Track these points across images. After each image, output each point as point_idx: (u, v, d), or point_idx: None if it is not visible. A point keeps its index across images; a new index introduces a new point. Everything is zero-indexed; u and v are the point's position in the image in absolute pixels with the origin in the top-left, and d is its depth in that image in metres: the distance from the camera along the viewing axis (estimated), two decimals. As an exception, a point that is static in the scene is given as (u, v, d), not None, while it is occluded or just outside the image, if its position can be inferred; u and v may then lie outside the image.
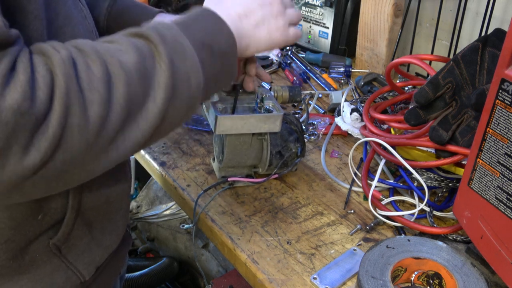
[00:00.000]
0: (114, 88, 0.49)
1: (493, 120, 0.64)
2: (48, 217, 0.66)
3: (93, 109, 0.47)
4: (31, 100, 0.43)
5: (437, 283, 0.73)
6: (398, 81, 1.25)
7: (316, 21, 1.44)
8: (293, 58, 1.44)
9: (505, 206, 0.65)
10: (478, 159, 0.68)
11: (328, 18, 1.41)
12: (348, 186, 0.95)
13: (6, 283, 0.66)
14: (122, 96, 0.49)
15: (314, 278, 0.76)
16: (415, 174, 0.85)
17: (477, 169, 0.69)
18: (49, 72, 0.45)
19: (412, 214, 0.86)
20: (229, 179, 0.93)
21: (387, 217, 0.86)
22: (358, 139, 1.05)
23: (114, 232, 0.77)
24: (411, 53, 1.33)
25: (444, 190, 0.90)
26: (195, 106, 0.59)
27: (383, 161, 0.92)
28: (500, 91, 0.62)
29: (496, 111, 0.63)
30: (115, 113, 0.49)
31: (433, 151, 0.87)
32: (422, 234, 0.83)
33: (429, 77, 1.03)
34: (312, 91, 1.29)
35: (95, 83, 0.48)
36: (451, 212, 0.86)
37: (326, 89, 1.31)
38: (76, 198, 0.67)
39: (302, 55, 1.46)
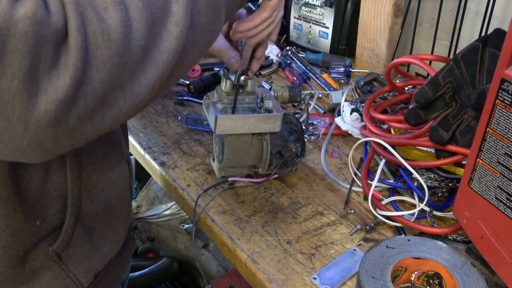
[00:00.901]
0: None
1: (493, 120, 0.64)
2: (46, 223, 0.65)
3: (110, 14, 0.44)
4: (45, 9, 0.41)
5: (437, 283, 0.73)
6: (398, 81, 1.25)
7: (316, 21, 1.44)
8: (293, 58, 1.44)
9: (505, 206, 0.65)
10: (478, 159, 0.68)
11: (328, 18, 1.41)
12: (348, 186, 0.95)
13: None
14: None
15: (314, 278, 0.76)
16: (415, 174, 0.85)
17: (477, 169, 0.69)
18: None
19: (412, 214, 0.86)
20: (229, 179, 0.93)
21: (387, 217, 0.86)
22: (358, 139, 1.05)
23: (113, 239, 0.76)
24: (411, 53, 1.33)
25: (444, 190, 0.90)
26: (219, 12, 0.56)
27: (383, 161, 0.92)
28: (500, 91, 0.62)
29: (496, 111, 0.63)
30: (135, 16, 0.46)
31: (433, 151, 0.87)
32: (422, 234, 0.83)
33: (429, 77, 1.03)
34: (312, 91, 1.29)
35: None
36: (451, 212, 0.86)
37: (326, 89, 1.31)
38: (74, 204, 0.66)
39: (302, 55, 1.46)
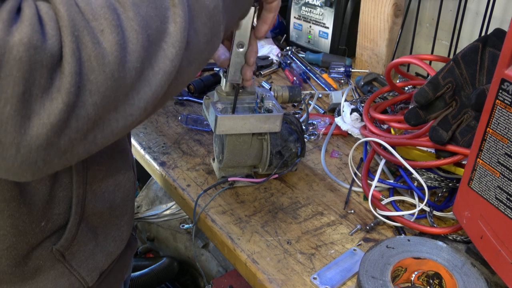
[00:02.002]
0: (122, 12, 0.46)
1: (493, 120, 0.64)
2: (51, 223, 0.65)
3: (106, 37, 0.44)
4: (41, 34, 0.41)
5: (437, 283, 0.73)
6: (398, 81, 1.25)
7: (316, 21, 1.44)
8: (293, 58, 1.44)
9: (505, 206, 0.65)
10: (478, 159, 0.68)
11: (328, 18, 1.41)
12: (348, 186, 0.95)
13: None
14: (134, 19, 0.46)
15: (314, 278, 0.76)
16: (415, 174, 0.85)
17: (477, 169, 0.69)
18: (51, 8, 0.43)
19: (412, 214, 0.86)
20: (229, 179, 0.93)
21: (387, 217, 0.86)
22: (358, 139, 1.05)
23: (118, 238, 0.76)
24: (411, 53, 1.33)
25: (444, 190, 0.90)
26: (217, 29, 0.55)
27: (383, 161, 0.92)
28: (500, 91, 0.62)
29: (496, 111, 0.63)
30: (131, 38, 0.45)
31: (433, 151, 0.87)
32: (422, 234, 0.83)
33: (429, 77, 1.03)
34: (312, 91, 1.29)
35: (99, 10, 0.44)
36: (451, 212, 0.86)
37: (326, 89, 1.31)
38: (79, 203, 0.67)
39: (302, 55, 1.46)
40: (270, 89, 0.95)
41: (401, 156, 0.86)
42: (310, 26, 1.47)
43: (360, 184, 0.94)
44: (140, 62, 0.46)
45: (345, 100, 1.14)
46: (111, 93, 0.45)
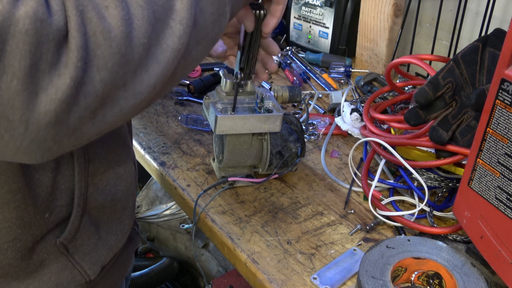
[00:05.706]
0: None
1: (493, 120, 0.64)
2: (54, 215, 0.66)
3: (111, 13, 0.44)
4: (47, 8, 0.40)
5: (437, 283, 0.73)
6: (398, 81, 1.25)
7: (316, 21, 1.44)
8: (293, 58, 1.44)
9: (505, 206, 0.65)
10: (478, 159, 0.68)
11: (328, 18, 1.41)
12: (348, 186, 0.95)
13: (12, 282, 0.66)
14: None
15: (314, 278, 0.76)
16: (415, 174, 0.85)
17: (477, 169, 0.69)
18: None
19: (412, 214, 0.86)
20: (229, 179, 0.93)
21: (387, 217, 0.86)
22: (358, 139, 1.05)
23: (120, 232, 0.77)
24: (411, 53, 1.33)
25: (444, 190, 0.90)
26: (223, 9, 0.55)
27: (383, 161, 0.92)
28: (500, 91, 0.62)
29: (496, 111, 0.63)
30: (136, 14, 0.45)
31: (433, 151, 0.87)
32: (422, 234, 0.83)
33: (429, 77, 1.03)
34: (312, 91, 1.29)
35: None
36: (451, 212, 0.86)
37: (326, 89, 1.31)
38: (81, 196, 0.67)
39: (302, 55, 1.46)
40: (270, 89, 0.95)
41: (401, 156, 0.86)
42: (310, 26, 1.47)
43: (360, 184, 0.94)
44: (147, 38, 0.46)
45: (345, 100, 1.14)
46: (119, 69, 0.44)
